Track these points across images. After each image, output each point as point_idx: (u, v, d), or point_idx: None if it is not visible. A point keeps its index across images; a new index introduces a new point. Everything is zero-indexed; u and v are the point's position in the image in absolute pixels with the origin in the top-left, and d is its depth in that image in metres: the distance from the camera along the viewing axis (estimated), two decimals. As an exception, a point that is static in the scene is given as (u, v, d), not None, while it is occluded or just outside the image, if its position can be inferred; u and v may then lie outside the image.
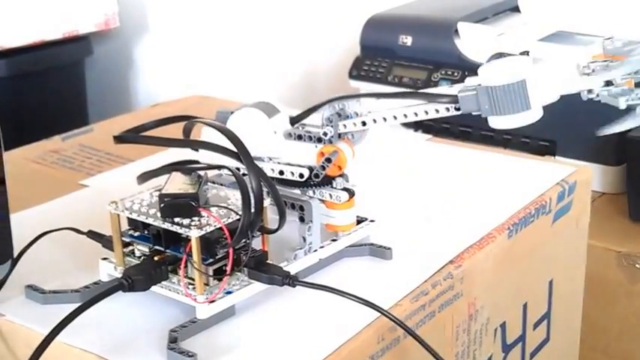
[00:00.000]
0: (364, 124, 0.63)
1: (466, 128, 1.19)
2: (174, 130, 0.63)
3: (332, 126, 0.63)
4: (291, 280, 0.57)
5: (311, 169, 0.63)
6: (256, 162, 0.62)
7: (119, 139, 0.63)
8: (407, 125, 1.23)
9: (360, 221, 0.68)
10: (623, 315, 0.98)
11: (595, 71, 0.60)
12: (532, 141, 1.14)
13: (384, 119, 0.63)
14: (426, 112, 0.61)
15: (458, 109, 0.60)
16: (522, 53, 0.60)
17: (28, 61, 1.49)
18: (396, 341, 0.59)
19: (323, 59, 1.54)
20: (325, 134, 0.63)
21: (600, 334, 1.00)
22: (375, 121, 0.63)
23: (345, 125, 0.63)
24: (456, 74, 1.16)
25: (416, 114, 0.61)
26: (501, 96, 0.58)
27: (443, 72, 1.17)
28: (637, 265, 0.96)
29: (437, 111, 0.61)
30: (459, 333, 0.66)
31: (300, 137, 0.64)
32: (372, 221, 0.68)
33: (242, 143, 0.57)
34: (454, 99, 0.60)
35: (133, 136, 0.64)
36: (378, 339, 0.57)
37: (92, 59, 1.64)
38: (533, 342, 0.77)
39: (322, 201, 0.65)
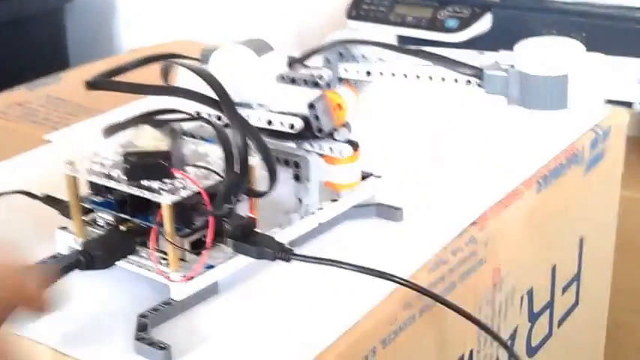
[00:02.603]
0: (369, 74, 0.52)
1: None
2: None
3: (330, 68, 0.52)
4: (284, 254, 0.46)
5: (305, 118, 0.52)
6: (242, 109, 0.52)
7: (91, 84, 0.52)
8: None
9: (364, 177, 0.58)
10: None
11: None
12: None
13: (393, 75, 0.52)
14: (443, 79, 0.51)
15: (481, 86, 0.49)
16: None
17: (3, 10, 1.37)
18: (411, 319, 0.49)
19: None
20: (321, 77, 0.52)
21: (631, 292, 0.90)
22: (381, 74, 0.52)
23: (346, 70, 0.52)
24: (464, 11, 1.04)
25: (431, 77, 0.51)
26: (536, 87, 0.47)
27: (450, 9, 1.06)
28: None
29: (456, 81, 0.50)
30: (482, 305, 0.56)
31: (293, 81, 0.53)
32: (378, 177, 0.58)
33: (222, 87, 0.46)
34: (479, 73, 0.49)
35: (104, 81, 0.53)
36: (391, 320, 0.47)
37: (72, 6, 1.51)
38: (561, 308, 0.67)
39: (321, 155, 0.54)
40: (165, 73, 0.54)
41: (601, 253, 0.72)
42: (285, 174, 0.53)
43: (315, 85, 0.52)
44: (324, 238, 0.54)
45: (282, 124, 0.52)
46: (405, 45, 1.08)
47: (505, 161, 0.62)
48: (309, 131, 0.53)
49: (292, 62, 0.55)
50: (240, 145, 0.44)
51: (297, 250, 0.53)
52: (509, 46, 1.03)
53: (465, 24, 1.04)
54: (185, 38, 0.99)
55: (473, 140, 0.66)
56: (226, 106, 0.46)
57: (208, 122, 0.47)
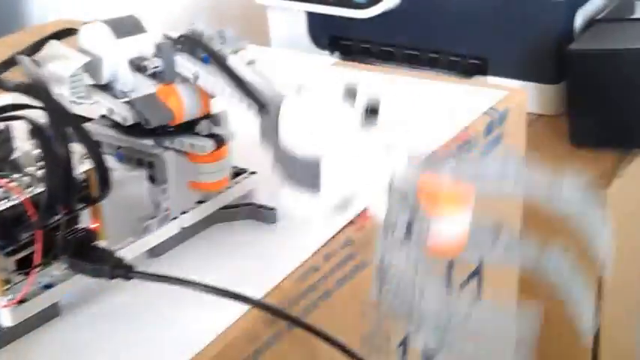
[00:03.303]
0: (197, 78, 0.46)
1: (388, 47, 1.03)
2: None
3: (162, 58, 0.46)
4: (124, 272, 0.41)
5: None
6: (102, 95, 0.46)
7: None
8: (318, 44, 1.07)
9: (238, 174, 0.53)
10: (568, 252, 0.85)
11: None
12: (461, 59, 0.98)
13: (222, 91, 0.46)
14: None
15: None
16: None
17: None
18: (277, 336, 0.44)
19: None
20: (145, 68, 0.46)
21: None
22: (214, 87, 0.46)
23: (182, 65, 0.46)
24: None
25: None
26: (288, 160, 0.41)
27: (358, -17, 1.00)
28: (582, 198, 0.82)
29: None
30: (367, 310, 0.51)
31: (139, 69, 0.47)
32: (252, 173, 0.53)
33: (38, 76, 0.40)
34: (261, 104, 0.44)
35: None
36: (250, 338, 0.42)
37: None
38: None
39: (184, 153, 0.49)
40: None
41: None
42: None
43: (153, 76, 0.46)
44: (190, 245, 0.49)
45: (119, 115, 0.47)
46: (314, 27, 1.05)
47: (388, 151, 0.57)
48: (166, 126, 0.48)
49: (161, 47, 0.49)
50: (58, 143, 0.38)
51: (158, 261, 0.48)
52: (419, 23, 0.99)
53: (374, -1, 0.99)
54: (67, 17, 0.93)
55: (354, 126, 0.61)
56: (41, 94, 0.40)
57: (27, 120, 0.41)
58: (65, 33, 0.50)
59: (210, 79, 0.46)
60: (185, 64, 0.46)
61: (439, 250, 0.39)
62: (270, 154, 0.42)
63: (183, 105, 0.47)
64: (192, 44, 0.46)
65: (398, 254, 0.38)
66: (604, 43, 0.86)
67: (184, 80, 0.47)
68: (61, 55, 0.47)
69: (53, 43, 0.47)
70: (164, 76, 0.46)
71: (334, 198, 0.41)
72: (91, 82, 0.48)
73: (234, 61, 0.46)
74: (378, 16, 0.98)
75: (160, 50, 0.46)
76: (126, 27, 0.48)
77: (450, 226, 0.39)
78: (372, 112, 0.41)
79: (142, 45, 0.48)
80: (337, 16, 1.01)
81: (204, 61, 0.47)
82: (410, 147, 0.41)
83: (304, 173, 0.41)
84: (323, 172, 0.40)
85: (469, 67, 0.98)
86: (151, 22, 0.49)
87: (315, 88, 0.41)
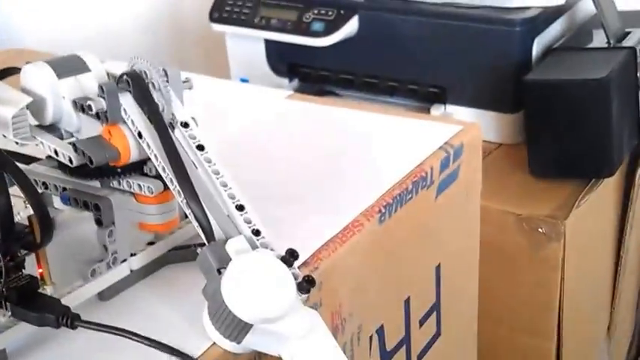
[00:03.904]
0: (140, 135, 0.45)
1: (347, 75, 1.03)
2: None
3: (106, 99, 0.45)
4: (69, 321, 0.40)
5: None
6: (46, 136, 0.45)
7: None
8: (277, 72, 1.06)
9: (189, 213, 0.52)
10: (527, 285, 0.85)
11: None
12: (420, 87, 0.98)
13: (156, 158, 0.45)
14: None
15: None
16: None
17: None
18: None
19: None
20: (90, 108, 0.45)
21: (502, 307, 0.86)
22: (149, 146, 0.45)
23: (125, 110, 0.45)
24: (330, 13, 0.99)
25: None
26: (222, 313, 0.41)
27: (315, 11, 1.00)
28: (540, 230, 0.82)
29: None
30: None
31: (83, 109, 0.46)
32: (204, 213, 0.52)
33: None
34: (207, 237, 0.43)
35: None
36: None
37: None
38: (420, 341, 0.62)
39: (131, 194, 0.48)
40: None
41: (463, 278, 0.68)
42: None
43: (97, 117, 0.46)
44: (140, 288, 0.48)
45: (64, 156, 0.46)
46: (273, 54, 1.04)
47: (343, 188, 0.57)
48: (112, 167, 0.47)
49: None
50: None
51: (107, 305, 0.47)
52: (377, 52, 0.99)
53: (331, 27, 0.99)
54: (22, 46, 0.91)
55: (309, 163, 0.60)
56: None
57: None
58: (6, 72, 0.49)
59: (153, 148, 0.45)
60: (129, 111, 0.45)
61: None
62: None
63: (129, 145, 0.46)
64: (135, 89, 0.46)
65: None
66: (561, 72, 0.86)
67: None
68: (4, 94, 0.46)
69: None
70: (109, 116, 0.45)
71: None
72: (35, 122, 0.47)
73: (181, 142, 0.46)
74: (337, 44, 0.98)
75: (103, 91, 0.45)
76: (69, 66, 0.47)
77: None
78: (308, 282, 0.43)
79: (85, 84, 0.47)
80: (295, 43, 1.01)
81: None
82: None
83: (232, 327, 0.41)
84: (250, 332, 0.41)
85: (428, 95, 0.98)
86: (95, 61, 0.48)
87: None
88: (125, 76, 0.45)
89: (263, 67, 1.08)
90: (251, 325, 0.41)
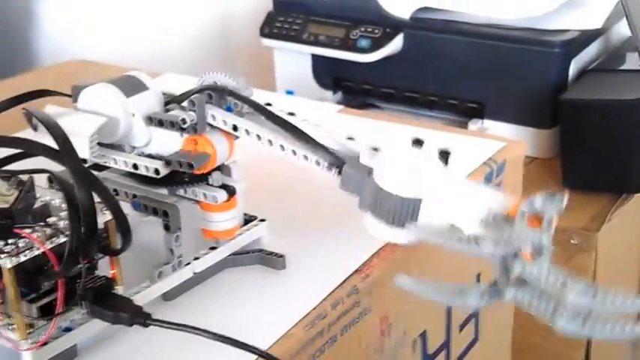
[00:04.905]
0: (235, 128, 0.47)
1: (389, 89, 1.04)
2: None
3: (195, 111, 0.47)
4: (141, 319, 0.41)
5: (170, 162, 0.47)
6: (114, 152, 0.47)
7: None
8: (322, 85, 1.07)
9: (248, 221, 0.53)
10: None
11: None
12: (459, 103, 0.99)
13: (258, 137, 0.47)
14: (306, 158, 0.47)
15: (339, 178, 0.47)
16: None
17: None
18: (285, 382, 0.44)
19: (234, 14, 1.36)
20: (184, 121, 0.47)
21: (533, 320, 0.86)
22: (247, 132, 0.47)
23: (214, 116, 0.47)
24: (376, 31, 1.00)
25: (294, 152, 0.47)
26: (387, 202, 0.44)
27: (362, 29, 1.01)
28: (572, 241, 0.82)
29: (318, 163, 0.47)
30: (370, 354, 0.51)
31: (161, 123, 0.48)
32: (262, 220, 0.53)
33: (65, 138, 0.41)
34: (340, 164, 0.46)
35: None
36: (259, 385, 0.42)
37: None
38: (459, 345, 0.63)
39: (197, 202, 0.49)
40: (29, 116, 0.49)
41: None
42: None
43: (181, 129, 0.47)
44: (201, 289, 0.50)
45: (147, 168, 0.47)
46: (318, 68, 1.05)
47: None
48: (180, 176, 0.48)
49: (168, 102, 0.50)
50: (83, 200, 0.39)
51: (171, 304, 0.48)
52: (419, 68, 0.99)
53: (377, 44, 0.99)
54: (81, 58, 0.93)
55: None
56: (68, 158, 0.40)
57: (52, 175, 0.41)
58: (37, 94, 0.50)
59: (252, 131, 0.47)
60: (218, 116, 0.47)
61: None
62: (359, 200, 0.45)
63: (217, 150, 0.47)
64: (219, 97, 0.47)
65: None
66: (596, 93, 0.86)
67: (212, 129, 0.48)
68: (65, 115, 0.47)
69: (50, 106, 0.48)
70: (198, 127, 0.47)
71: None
72: (103, 141, 0.48)
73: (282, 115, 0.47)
74: (381, 60, 0.99)
75: (193, 104, 0.46)
76: (131, 85, 0.49)
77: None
78: (443, 155, 0.45)
79: (150, 101, 0.48)
80: (341, 59, 1.02)
81: (228, 110, 0.48)
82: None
83: (403, 213, 0.43)
84: (423, 210, 0.43)
85: (466, 110, 0.98)
86: (149, 79, 0.49)
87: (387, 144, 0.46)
88: (207, 90, 0.47)
89: (308, 81, 1.09)
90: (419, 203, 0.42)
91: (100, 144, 0.48)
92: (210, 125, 0.47)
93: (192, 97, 0.46)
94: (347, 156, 0.47)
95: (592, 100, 0.85)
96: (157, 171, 0.47)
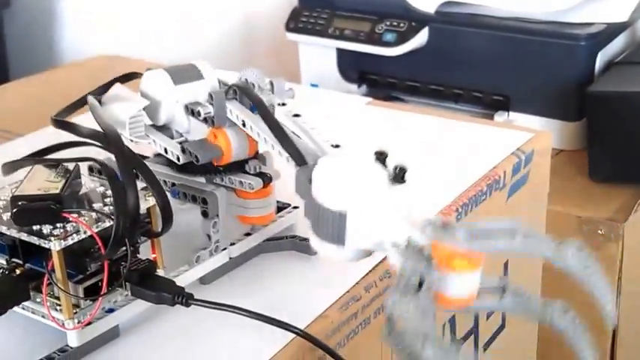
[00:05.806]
0: (244, 124, 0.48)
1: (414, 83, 1.05)
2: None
3: (214, 105, 0.48)
4: (183, 299, 0.43)
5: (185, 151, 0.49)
6: (158, 135, 0.49)
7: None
8: (347, 78, 1.09)
9: (282, 208, 0.55)
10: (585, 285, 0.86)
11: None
12: (485, 95, 1.00)
13: (265, 140, 0.47)
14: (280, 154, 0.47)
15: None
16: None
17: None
18: (321, 361, 0.46)
19: (258, 8, 1.38)
20: (199, 113, 0.49)
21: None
22: (258, 135, 0.48)
23: (232, 111, 0.49)
24: (402, 25, 1.02)
25: (280, 153, 0.47)
26: (315, 212, 0.41)
27: (388, 23, 1.03)
28: (599, 231, 0.83)
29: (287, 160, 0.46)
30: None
31: (193, 113, 0.49)
32: (295, 207, 0.55)
33: (111, 127, 0.43)
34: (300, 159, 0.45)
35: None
36: (297, 364, 0.44)
37: (10, 12, 1.44)
38: (486, 332, 0.64)
39: (233, 189, 0.51)
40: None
41: (528, 275, 0.70)
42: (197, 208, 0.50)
43: (205, 120, 0.49)
44: (237, 274, 0.51)
45: (172, 154, 0.49)
46: (344, 62, 1.06)
47: (422, 190, 0.59)
48: (218, 166, 0.50)
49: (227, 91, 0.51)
50: (127, 186, 0.41)
51: (207, 288, 0.50)
52: (444, 61, 1.01)
53: (402, 38, 1.01)
54: (112, 53, 0.95)
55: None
56: (112, 141, 0.42)
57: (96, 162, 0.43)
58: (129, 77, 0.52)
59: (255, 128, 0.48)
60: (234, 111, 0.49)
61: (448, 303, 0.39)
62: (303, 206, 0.43)
63: (232, 146, 0.49)
64: (242, 94, 0.49)
65: (407, 304, 0.38)
66: (622, 85, 0.87)
67: (233, 125, 0.49)
68: (124, 97, 0.50)
69: (117, 85, 0.50)
70: (215, 120, 0.48)
71: (356, 250, 0.41)
72: (150, 122, 0.50)
73: (279, 115, 0.48)
74: (406, 53, 1.01)
75: (212, 98, 0.48)
76: (184, 74, 0.50)
77: (461, 284, 0.39)
78: (400, 171, 0.42)
79: (198, 91, 0.50)
80: (366, 52, 1.04)
81: (252, 110, 0.49)
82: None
83: (331, 226, 0.41)
84: (348, 225, 0.40)
85: (492, 102, 1.00)
86: (209, 69, 0.51)
87: (348, 149, 0.43)
88: (234, 87, 0.48)
89: (333, 74, 1.10)
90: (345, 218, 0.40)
91: (153, 126, 0.50)
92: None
93: (211, 91, 0.48)
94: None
95: (618, 92, 0.86)
96: (178, 157, 0.49)
